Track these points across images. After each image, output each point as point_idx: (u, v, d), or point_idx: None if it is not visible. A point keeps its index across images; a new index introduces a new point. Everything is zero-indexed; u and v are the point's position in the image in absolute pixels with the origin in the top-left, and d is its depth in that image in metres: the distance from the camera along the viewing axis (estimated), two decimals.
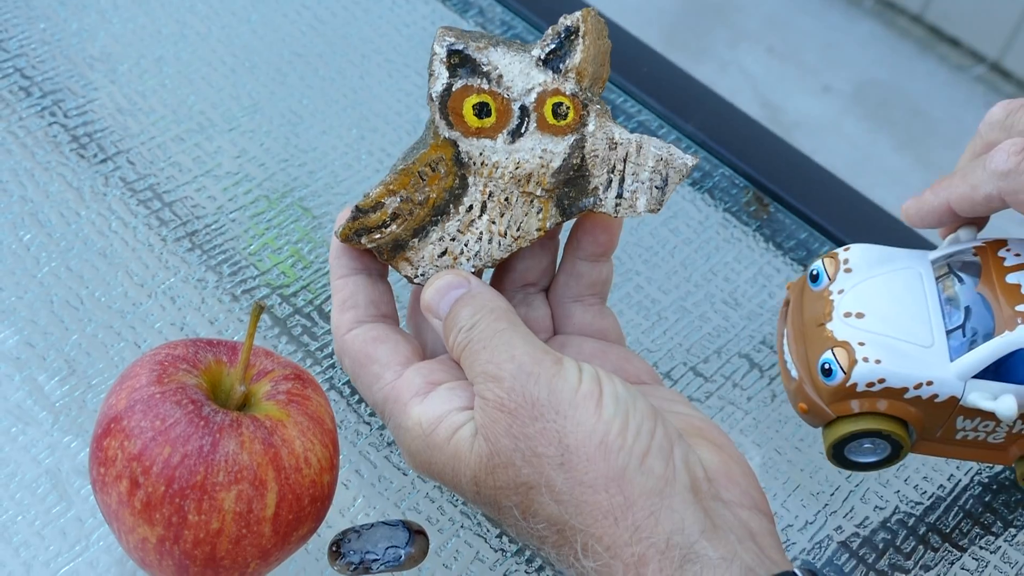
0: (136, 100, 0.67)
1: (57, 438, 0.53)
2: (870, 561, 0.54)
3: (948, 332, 0.51)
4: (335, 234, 0.48)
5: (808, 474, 0.57)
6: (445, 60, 0.46)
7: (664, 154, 0.47)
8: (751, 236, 0.67)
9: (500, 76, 0.46)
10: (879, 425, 0.51)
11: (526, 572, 0.52)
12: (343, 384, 0.56)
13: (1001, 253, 0.52)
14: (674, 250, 0.65)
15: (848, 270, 0.54)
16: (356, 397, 0.56)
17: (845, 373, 0.50)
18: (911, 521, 0.56)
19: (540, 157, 0.47)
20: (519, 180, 0.47)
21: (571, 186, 0.48)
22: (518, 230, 0.48)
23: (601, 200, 0.48)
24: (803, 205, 0.69)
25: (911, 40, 2.02)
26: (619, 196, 0.48)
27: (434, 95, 0.46)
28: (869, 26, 2.04)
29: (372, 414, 0.56)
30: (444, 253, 0.48)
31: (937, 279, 0.53)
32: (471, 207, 0.47)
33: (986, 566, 0.55)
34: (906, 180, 1.87)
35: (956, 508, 0.56)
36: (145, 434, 0.43)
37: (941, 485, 0.57)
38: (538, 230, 0.48)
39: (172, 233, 0.61)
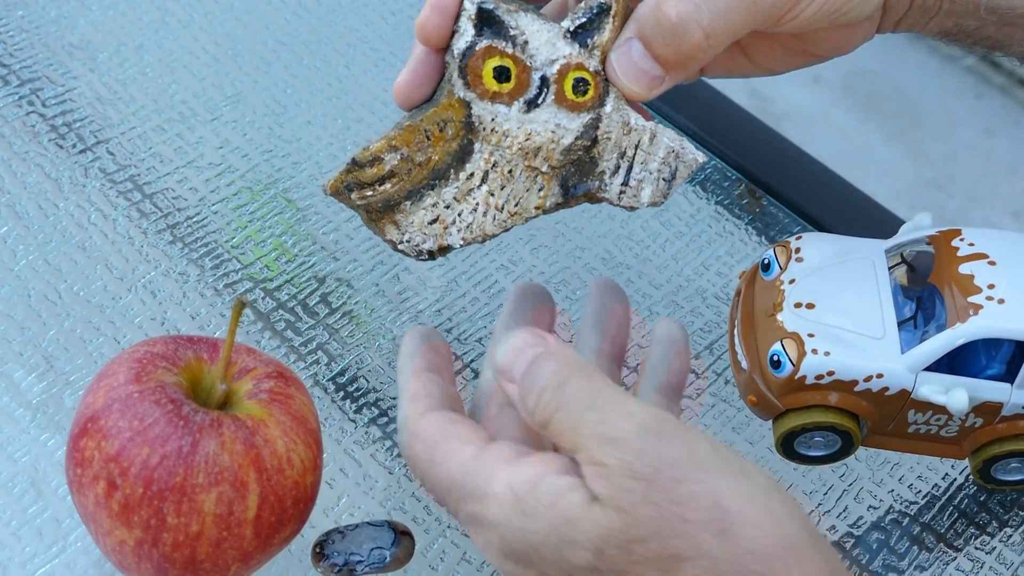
0: (116, 89, 0.66)
1: (34, 436, 0.51)
2: (864, 562, 0.53)
3: (900, 324, 0.50)
4: (322, 187, 0.47)
5: (801, 473, 0.56)
6: (473, 17, 0.45)
7: (676, 147, 0.47)
8: (744, 230, 0.66)
9: (526, 42, 0.45)
10: (829, 418, 0.50)
11: None
12: (327, 380, 0.55)
13: (955, 243, 0.51)
14: (665, 244, 0.64)
15: (800, 260, 0.53)
16: (341, 394, 0.55)
17: (794, 365, 0.49)
18: (905, 521, 0.55)
19: (552, 131, 0.46)
20: (527, 153, 0.46)
21: (577, 166, 0.47)
22: (516, 206, 0.47)
23: (606, 185, 0.47)
24: (797, 198, 0.68)
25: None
26: (624, 183, 0.47)
27: (456, 52, 0.45)
28: None
29: (358, 411, 0.54)
30: (435, 221, 0.47)
31: (890, 269, 0.52)
32: (472, 175, 0.46)
33: (981, 567, 0.54)
34: (896, 171, 1.86)
35: (951, 508, 0.55)
36: (123, 434, 0.42)
37: (936, 484, 0.56)
38: (536, 208, 0.47)
39: (153, 226, 0.60)
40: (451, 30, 0.45)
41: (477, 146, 0.46)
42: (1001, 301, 0.48)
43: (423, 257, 0.48)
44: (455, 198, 0.47)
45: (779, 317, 0.51)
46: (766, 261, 0.53)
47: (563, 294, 0.61)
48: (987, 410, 0.50)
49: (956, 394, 0.48)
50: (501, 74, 0.45)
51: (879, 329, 0.50)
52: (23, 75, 0.65)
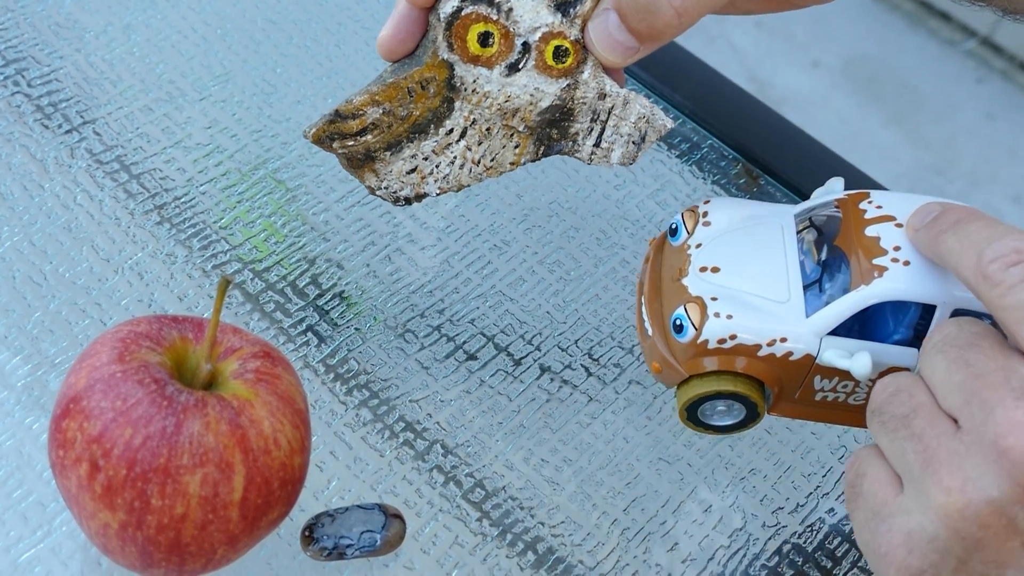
0: (103, 69, 0.64)
1: (19, 419, 0.50)
2: None
3: (806, 287, 0.49)
4: (304, 134, 0.48)
5: (799, 455, 0.55)
6: None
7: (647, 112, 0.48)
8: None
9: (511, 9, 0.46)
10: (732, 386, 0.49)
11: (507, 556, 0.50)
12: (317, 362, 0.54)
13: (863, 205, 0.49)
14: (661, 223, 0.63)
15: (707, 224, 0.51)
16: (331, 375, 0.54)
17: (696, 329, 0.48)
18: None
19: (531, 94, 0.48)
20: (505, 113, 0.48)
21: (553, 127, 0.48)
22: (492, 160, 0.49)
23: (578, 146, 0.49)
24: (794, 178, 0.67)
25: (901, 14, 2.00)
26: (596, 145, 0.49)
27: (441, 16, 0.46)
28: (859, 0, 2.02)
29: (348, 393, 0.54)
30: (413, 171, 0.49)
31: (799, 233, 0.51)
32: (451, 131, 0.48)
33: None
34: (896, 155, 1.85)
35: None
36: (105, 415, 0.41)
37: None
38: (511, 163, 0.49)
39: (140, 206, 0.59)
40: None
41: (458, 104, 0.48)
42: (906, 263, 0.47)
43: (400, 203, 0.50)
44: (433, 151, 0.48)
45: (684, 281, 0.49)
46: (673, 226, 0.52)
47: (557, 275, 0.60)
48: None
49: (860, 358, 0.47)
50: (485, 39, 0.47)
51: (784, 293, 0.49)
52: (8, 55, 0.64)
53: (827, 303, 0.48)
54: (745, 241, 0.51)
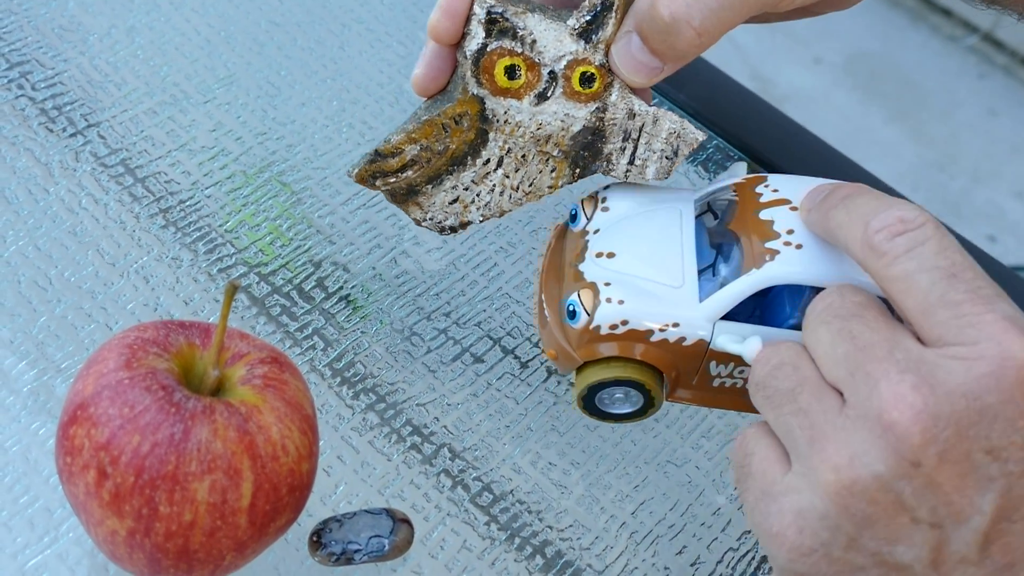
0: (107, 72, 0.64)
1: (25, 424, 0.50)
2: None
3: (700, 272, 0.48)
4: (348, 174, 0.50)
5: None
6: (483, 21, 0.47)
7: (678, 128, 0.49)
8: None
9: (534, 41, 0.48)
10: (627, 372, 0.48)
11: (515, 561, 0.50)
12: (324, 366, 0.54)
13: (759, 189, 0.49)
14: None
15: (606, 209, 0.51)
16: (338, 380, 0.54)
17: (588, 315, 0.47)
18: None
19: (562, 120, 0.49)
20: (538, 140, 0.49)
21: (587, 149, 0.50)
22: (530, 186, 0.50)
23: (614, 165, 0.50)
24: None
25: (903, 10, 2.00)
26: (631, 163, 0.50)
27: (468, 53, 0.48)
28: None
29: (355, 397, 0.53)
30: (456, 201, 0.51)
31: (697, 218, 0.50)
32: (488, 160, 0.50)
33: None
34: (898, 151, 1.85)
35: None
36: (113, 422, 0.41)
37: None
38: (550, 187, 0.51)
39: (145, 210, 0.59)
40: (462, 31, 0.48)
41: (492, 136, 0.49)
42: (799, 246, 0.46)
43: (446, 232, 0.52)
44: (473, 181, 0.50)
45: (580, 267, 0.49)
46: (573, 212, 0.52)
47: None
48: None
49: (751, 343, 0.46)
50: (512, 72, 0.48)
51: (678, 278, 0.48)
52: (12, 58, 0.64)
53: (721, 288, 0.47)
54: (642, 226, 0.50)
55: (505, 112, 0.49)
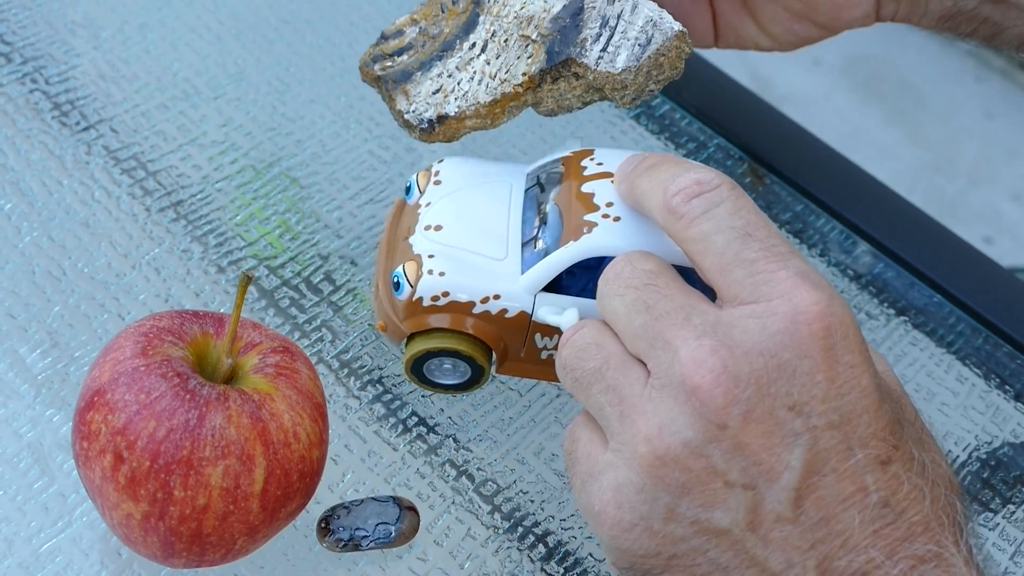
0: (119, 67, 0.65)
1: (39, 411, 0.51)
2: None
3: (524, 244, 0.49)
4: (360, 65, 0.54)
5: None
6: None
7: (655, 16, 0.49)
8: None
9: None
10: (451, 343, 0.49)
11: (518, 549, 0.51)
12: (332, 358, 0.55)
13: (584, 163, 0.49)
14: None
15: (438, 183, 0.52)
16: (346, 371, 0.55)
17: (412, 287, 0.48)
18: None
19: (545, 1, 0.51)
20: (521, 22, 0.51)
21: (563, 34, 0.50)
22: (506, 73, 0.51)
23: (586, 51, 0.50)
24: (799, 178, 0.68)
25: None
26: (603, 50, 0.50)
27: None
28: None
29: (362, 388, 0.55)
30: (438, 91, 0.52)
31: (527, 191, 0.51)
32: (474, 44, 0.51)
33: (984, 543, 0.54)
34: (896, 153, 1.86)
35: None
36: (129, 408, 0.42)
37: None
38: (523, 74, 0.51)
39: (156, 203, 0.60)
40: None
41: (481, 18, 0.51)
42: (617, 219, 0.47)
43: (423, 126, 0.52)
44: (457, 67, 0.52)
45: (410, 240, 0.50)
46: (408, 185, 0.53)
47: None
48: None
49: (568, 315, 0.47)
50: None
51: (502, 250, 0.49)
52: (26, 53, 0.65)
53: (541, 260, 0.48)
54: (471, 200, 0.51)
55: None
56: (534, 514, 0.52)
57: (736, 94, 0.72)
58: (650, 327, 0.40)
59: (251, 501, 0.43)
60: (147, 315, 0.46)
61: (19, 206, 0.58)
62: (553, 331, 0.49)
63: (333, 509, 0.49)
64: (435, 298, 0.48)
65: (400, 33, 0.53)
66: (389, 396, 0.54)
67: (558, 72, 0.51)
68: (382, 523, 0.49)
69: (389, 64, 0.53)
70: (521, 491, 0.53)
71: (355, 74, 0.68)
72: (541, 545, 0.51)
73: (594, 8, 0.50)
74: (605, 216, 0.47)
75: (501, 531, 0.51)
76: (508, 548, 0.51)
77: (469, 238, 0.49)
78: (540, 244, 0.48)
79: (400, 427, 0.54)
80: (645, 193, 0.44)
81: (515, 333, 0.49)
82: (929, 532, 0.38)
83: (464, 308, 0.49)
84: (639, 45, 0.49)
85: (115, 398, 0.42)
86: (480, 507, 0.52)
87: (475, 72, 0.51)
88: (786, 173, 0.68)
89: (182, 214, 0.59)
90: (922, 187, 1.82)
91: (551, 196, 0.49)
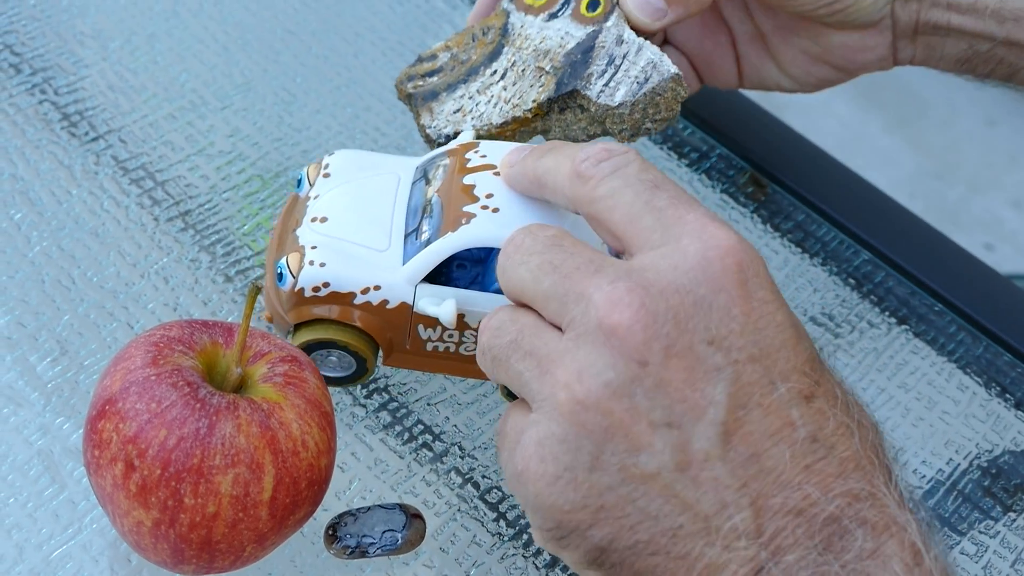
0: (127, 78, 0.66)
1: (49, 419, 0.52)
2: None
3: (407, 236, 0.49)
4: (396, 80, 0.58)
5: None
6: None
7: (656, 59, 0.53)
8: (749, 218, 0.66)
9: None
10: (334, 334, 0.49)
11: (523, 556, 0.51)
12: None
13: (468, 155, 0.50)
14: None
15: (327, 175, 0.52)
16: None
17: (294, 277, 0.49)
18: None
19: (561, 37, 0.55)
20: (538, 55, 0.55)
21: (573, 68, 0.54)
22: (519, 99, 0.54)
23: (591, 85, 0.53)
24: (801, 187, 0.68)
25: None
26: (606, 84, 0.53)
27: None
28: None
29: (368, 396, 0.55)
30: (459, 110, 0.56)
31: (414, 184, 0.51)
32: (495, 71, 0.56)
33: (985, 551, 0.54)
34: (897, 160, 1.86)
35: (955, 493, 0.56)
36: (140, 416, 0.42)
37: (940, 469, 0.57)
38: (533, 101, 0.54)
39: (165, 213, 0.60)
40: None
41: (505, 49, 0.56)
42: (495, 210, 0.47)
43: (440, 140, 0.55)
44: (478, 91, 0.55)
45: (297, 232, 0.50)
46: (299, 178, 0.53)
47: None
48: None
49: (446, 306, 0.47)
50: None
51: (385, 241, 0.49)
52: (35, 64, 0.66)
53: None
54: (358, 191, 0.51)
55: (521, 26, 0.56)
56: None
57: (737, 103, 0.73)
58: (560, 285, 0.39)
59: (260, 509, 0.43)
60: (156, 324, 0.47)
61: (29, 216, 0.59)
62: (435, 322, 0.49)
63: (340, 516, 0.49)
64: (316, 289, 0.49)
65: (434, 57, 0.58)
66: (395, 404, 0.55)
67: (565, 102, 0.54)
68: (389, 530, 0.49)
69: (420, 83, 0.57)
70: None
71: (360, 85, 0.68)
72: (545, 552, 0.52)
73: (604, 47, 0.53)
74: (484, 207, 0.47)
75: (506, 538, 0.52)
76: (513, 555, 0.51)
77: (353, 229, 0.50)
78: (423, 236, 0.49)
79: (406, 435, 0.54)
80: (549, 169, 0.44)
81: (398, 324, 0.50)
82: (861, 470, 0.37)
83: (345, 299, 0.49)
84: (637, 83, 0.52)
85: (126, 407, 0.43)
86: (485, 514, 0.52)
87: (492, 96, 0.55)
88: (788, 183, 0.68)
89: (190, 224, 0.60)
90: (923, 194, 1.83)
91: (435, 188, 0.50)
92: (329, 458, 0.46)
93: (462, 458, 0.54)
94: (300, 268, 0.49)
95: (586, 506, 0.38)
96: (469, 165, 0.49)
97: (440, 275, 0.49)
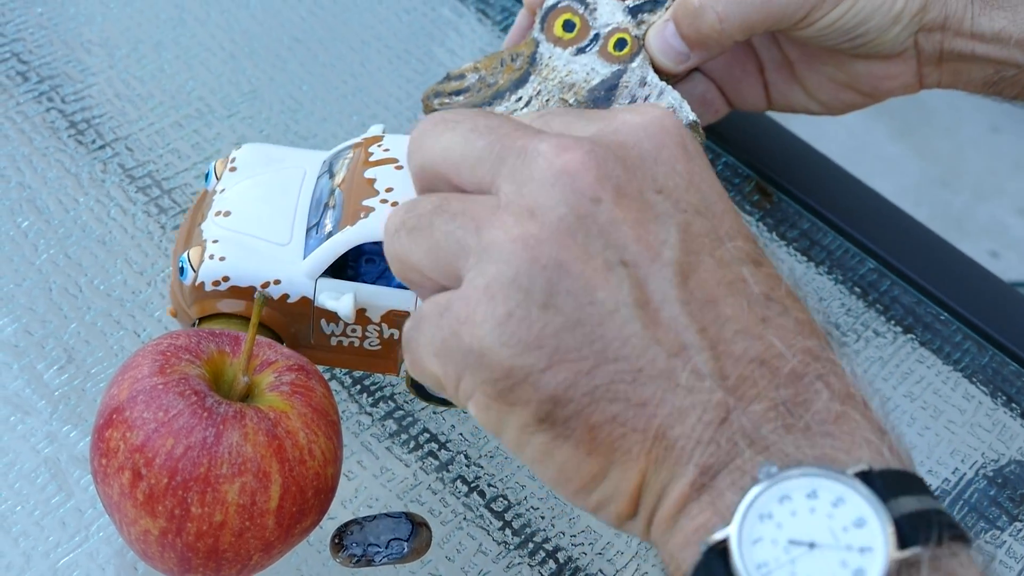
0: (134, 85, 0.66)
1: (56, 427, 0.52)
2: None
3: (309, 230, 0.49)
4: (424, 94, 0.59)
5: None
6: None
7: (676, 104, 0.55)
8: (755, 226, 0.66)
9: (595, 8, 0.57)
10: (238, 328, 0.49)
11: (529, 565, 0.51)
12: (344, 375, 0.56)
13: (372, 149, 0.50)
14: None
15: (233, 169, 0.52)
16: (358, 387, 0.56)
17: (195, 272, 0.49)
18: None
19: (587, 73, 0.57)
20: (564, 87, 0.57)
21: (595, 104, 0.56)
22: None
23: None
24: (807, 195, 0.68)
25: None
26: None
27: (543, 8, 0.58)
28: None
29: (374, 404, 0.55)
30: None
31: (319, 178, 0.51)
32: (520, 98, 0.57)
33: (991, 561, 0.54)
34: (902, 167, 1.86)
35: (961, 502, 0.56)
36: (148, 425, 0.42)
37: (946, 479, 0.57)
38: None
39: (171, 220, 0.60)
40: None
41: (532, 78, 0.57)
42: (395, 204, 0.47)
43: None
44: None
45: (201, 226, 0.50)
46: (207, 172, 0.53)
47: None
48: (401, 320, 0.49)
49: (344, 300, 0.47)
50: (568, 26, 0.58)
51: (286, 235, 0.49)
52: (42, 72, 0.66)
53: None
54: (262, 185, 0.51)
55: (549, 57, 0.57)
56: (544, 530, 0.53)
57: (745, 113, 0.73)
58: (497, 143, 0.38)
59: (267, 517, 0.43)
60: (163, 333, 0.47)
61: (36, 224, 0.59)
62: (336, 317, 0.49)
63: (346, 525, 0.49)
64: (216, 283, 0.49)
65: (462, 77, 0.59)
66: (401, 413, 0.55)
67: None
68: (395, 539, 0.49)
69: (447, 101, 0.58)
70: (531, 507, 0.53)
71: (367, 93, 0.69)
72: (552, 561, 0.52)
73: (627, 87, 0.56)
74: (383, 201, 0.48)
75: (512, 547, 0.52)
76: (519, 564, 0.51)
77: (255, 223, 0.50)
78: (326, 229, 0.49)
79: (412, 443, 0.54)
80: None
81: (301, 319, 0.50)
82: (816, 336, 0.36)
83: (244, 293, 0.49)
84: None
85: (133, 416, 0.43)
86: (491, 523, 0.52)
87: None
88: (794, 191, 0.69)
89: None
90: (928, 201, 1.83)
91: (338, 181, 0.50)
92: (336, 467, 0.46)
93: (468, 466, 0.54)
94: (201, 262, 0.49)
95: (540, 346, 0.35)
96: (372, 159, 0.49)
97: (348, 269, 0.49)
